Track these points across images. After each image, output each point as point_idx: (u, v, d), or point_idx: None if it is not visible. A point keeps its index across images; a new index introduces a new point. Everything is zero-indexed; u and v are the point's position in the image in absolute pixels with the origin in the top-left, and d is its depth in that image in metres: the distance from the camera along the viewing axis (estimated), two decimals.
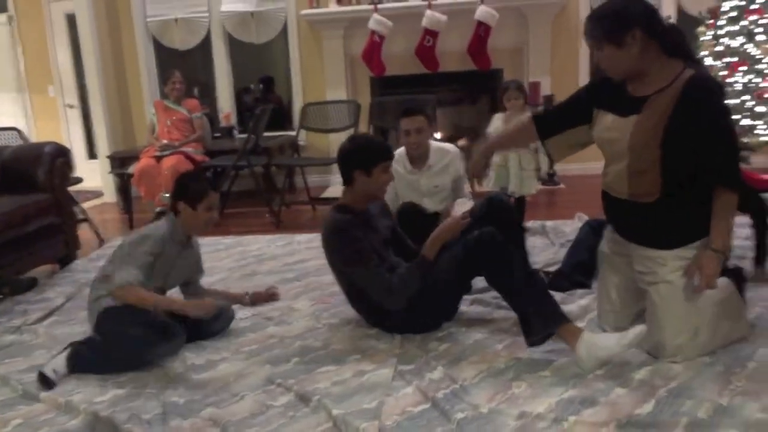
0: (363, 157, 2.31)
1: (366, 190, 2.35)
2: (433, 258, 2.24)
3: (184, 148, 4.64)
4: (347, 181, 2.36)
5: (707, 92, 1.90)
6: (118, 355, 2.21)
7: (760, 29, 4.29)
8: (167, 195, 4.34)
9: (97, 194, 5.10)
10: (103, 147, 5.59)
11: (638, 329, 1.93)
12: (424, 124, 2.98)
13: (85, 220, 4.24)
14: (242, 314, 2.67)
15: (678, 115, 1.89)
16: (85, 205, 4.51)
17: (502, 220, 2.45)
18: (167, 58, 5.96)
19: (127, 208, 4.74)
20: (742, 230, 2.82)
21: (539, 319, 2.07)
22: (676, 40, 1.98)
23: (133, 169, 4.58)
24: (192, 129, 4.84)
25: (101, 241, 4.16)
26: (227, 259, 3.60)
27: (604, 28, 1.94)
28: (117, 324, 2.22)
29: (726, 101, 2.00)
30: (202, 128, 4.92)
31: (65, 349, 2.26)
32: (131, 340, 2.18)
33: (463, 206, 2.41)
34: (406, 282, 2.23)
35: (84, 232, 4.15)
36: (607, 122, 2.07)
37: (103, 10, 5.58)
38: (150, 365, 2.20)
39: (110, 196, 5.56)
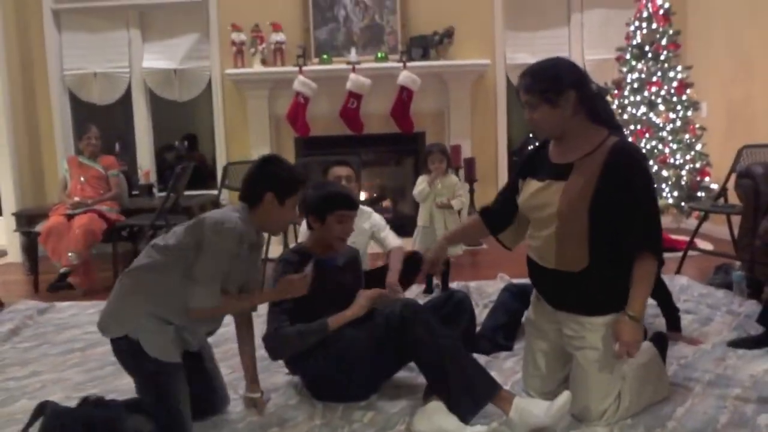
0: (317, 205, 2.29)
1: (321, 237, 2.33)
2: (334, 326, 2.20)
3: (98, 206, 4.44)
4: (308, 225, 2.37)
5: (632, 159, 1.95)
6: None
7: (660, 100, 4.64)
8: (74, 254, 4.12)
9: (0, 254, 4.78)
10: (9, 203, 5.28)
11: (563, 398, 1.93)
12: (353, 174, 3.01)
13: None
14: None
15: (604, 181, 1.93)
16: None
17: (459, 320, 2.45)
18: (84, 113, 5.76)
19: (33, 269, 4.45)
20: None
21: (468, 397, 1.99)
22: (603, 107, 2.06)
23: (41, 227, 4.32)
24: (107, 187, 4.65)
25: (1, 305, 3.85)
26: None
27: (541, 86, 1.97)
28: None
29: (648, 169, 2.06)
30: (118, 186, 4.73)
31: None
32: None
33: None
34: (287, 339, 2.19)
35: None
36: (532, 188, 2.10)
37: (17, 61, 5.38)
38: None
39: (15, 255, 5.21)
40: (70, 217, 4.30)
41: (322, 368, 2.23)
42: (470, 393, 1.98)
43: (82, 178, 4.57)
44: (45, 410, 2.03)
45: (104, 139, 4.79)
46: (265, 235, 2.38)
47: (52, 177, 5.56)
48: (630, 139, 4.62)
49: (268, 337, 2.22)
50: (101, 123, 4.92)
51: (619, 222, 1.94)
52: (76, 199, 4.45)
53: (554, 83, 1.96)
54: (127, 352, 2.01)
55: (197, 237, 1.99)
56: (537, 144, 2.22)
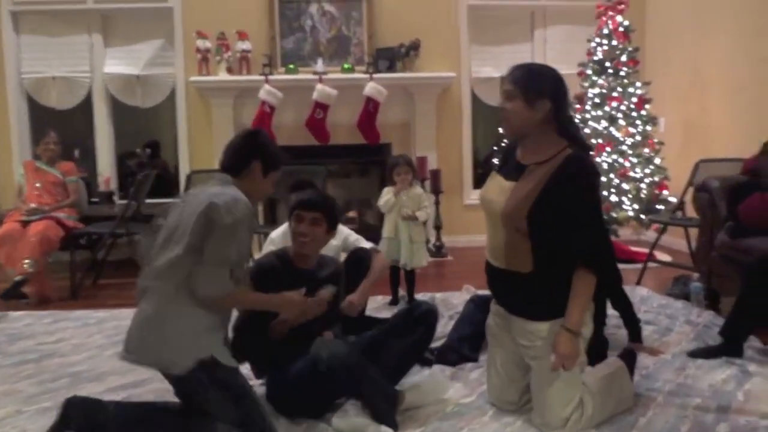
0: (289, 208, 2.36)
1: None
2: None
3: (55, 213, 4.31)
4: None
5: (581, 171, 1.98)
6: None
7: (620, 114, 4.75)
8: (29, 262, 3.98)
9: None
10: None
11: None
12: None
13: None
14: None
15: (550, 188, 1.97)
16: None
17: (416, 330, 2.44)
18: (43, 117, 5.61)
19: None
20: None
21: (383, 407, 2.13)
22: (574, 129, 2.10)
23: None
24: (65, 193, 4.52)
25: None
26: (98, 335, 3.30)
27: (526, 82, 2.01)
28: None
29: (598, 186, 2.10)
30: (77, 193, 4.60)
31: None
32: None
33: (326, 291, 2.26)
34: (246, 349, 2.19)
35: None
36: (493, 183, 2.16)
37: None
38: None
39: None
40: (25, 223, 4.17)
41: (278, 388, 2.23)
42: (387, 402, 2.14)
43: (38, 184, 4.44)
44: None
45: (64, 144, 4.66)
46: None
47: (8, 182, 5.38)
48: (591, 153, 4.76)
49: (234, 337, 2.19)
50: (61, 128, 4.80)
51: (559, 232, 1.96)
52: (33, 205, 4.31)
53: (538, 85, 2.01)
54: (204, 376, 1.89)
55: (209, 222, 1.89)
56: (510, 144, 2.25)
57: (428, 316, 2.48)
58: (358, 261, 2.87)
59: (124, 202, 4.90)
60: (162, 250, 1.97)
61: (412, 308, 2.55)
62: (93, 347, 3.10)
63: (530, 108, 2.01)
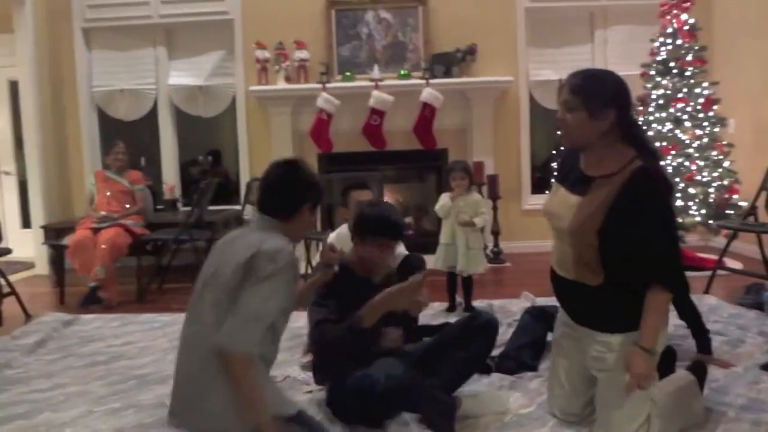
0: (357, 226, 2.29)
1: (361, 258, 2.31)
2: (371, 326, 2.12)
3: (124, 220, 4.50)
4: (353, 241, 2.35)
5: (653, 184, 1.87)
6: None
7: (686, 116, 4.58)
8: (100, 269, 4.16)
9: (28, 266, 4.85)
10: (38, 216, 5.36)
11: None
12: (373, 196, 3.01)
13: (11, 293, 3.98)
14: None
15: (620, 203, 1.87)
16: (15, 276, 4.28)
17: (476, 342, 2.40)
18: (112, 128, 5.86)
19: (60, 282, 4.51)
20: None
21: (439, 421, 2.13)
22: (640, 134, 1.98)
23: (68, 240, 4.38)
24: (133, 201, 4.72)
25: (28, 317, 3.90)
26: (163, 338, 3.42)
27: (589, 92, 1.90)
28: None
29: (672, 199, 1.98)
30: (144, 201, 4.80)
31: None
32: None
33: (416, 278, 2.18)
34: (331, 336, 2.13)
35: (10, 305, 3.91)
36: (556, 196, 2.08)
37: (47, 77, 5.49)
38: None
39: (42, 268, 5.29)
40: (96, 230, 4.36)
41: (338, 397, 2.22)
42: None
43: (108, 193, 4.64)
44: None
45: (130, 154, 4.87)
46: None
47: (80, 191, 5.65)
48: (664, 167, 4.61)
49: (314, 330, 2.20)
50: (128, 138, 5.01)
51: (631, 248, 1.87)
52: (103, 213, 4.51)
53: (602, 94, 1.90)
54: None
55: (247, 272, 1.75)
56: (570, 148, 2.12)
57: (488, 326, 2.44)
58: (410, 265, 2.93)
59: (187, 209, 5.06)
60: (199, 302, 1.84)
61: (471, 318, 2.51)
62: (158, 350, 3.21)
63: (594, 119, 1.89)
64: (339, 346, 2.14)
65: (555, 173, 2.21)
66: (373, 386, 2.05)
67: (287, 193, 1.92)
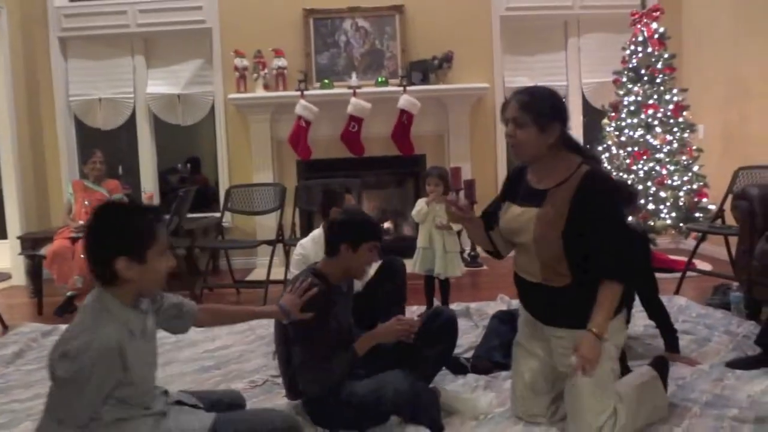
0: (353, 232, 2.28)
1: (346, 266, 2.30)
2: (362, 354, 2.23)
3: None
4: (331, 252, 2.29)
5: (603, 184, 2.04)
6: None
7: (657, 122, 4.70)
8: (79, 278, 4.15)
9: (5, 277, 4.80)
10: (14, 227, 5.33)
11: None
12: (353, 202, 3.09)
13: None
14: None
15: (575, 208, 2.00)
16: None
17: (440, 340, 2.46)
18: (89, 137, 5.84)
19: (37, 292, 4.48)
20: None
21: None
22: (576, 143, 2.15)
23: (45, 250, 4.37)
24: None
25: (5, 328, 3.89)
26: None
27: (538, 109, 2.03)
28: None
29: (618, 198, 2.15)
30: None
31: None
32: None
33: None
34: (338, 379, 2.19)
35: None
36: (510, 214, 2.17)
37: (23, 86, 5.46)
38: None
39: (20, 279, 5.25)
40: (74, 240, 4.35)
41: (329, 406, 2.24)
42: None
43: (86, 202, 4.62)
44: None
45: (108, 162, 4.85)
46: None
47: (57, 201, 5.62)
48: (628, 161, 4.71)
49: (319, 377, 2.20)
50: (106, 147, 4.98)
51: (590, 245, 1.99)
52: (81, 222, 4.49)
53: (550, 110, 2.05)
54: None
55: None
56: (518, 166, 2.26)
57: (451, 324, 2.50)
58: (391, 269, 3.00)
59: (166, 217, 5.06)
60: None
61: (432, 317, 2.51)
62: None
63: (543, 133, 2.04)
64: (342, 378, 2.21)
65: (502, 194, 2.29)
66: (380, 400, 2.13)
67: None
